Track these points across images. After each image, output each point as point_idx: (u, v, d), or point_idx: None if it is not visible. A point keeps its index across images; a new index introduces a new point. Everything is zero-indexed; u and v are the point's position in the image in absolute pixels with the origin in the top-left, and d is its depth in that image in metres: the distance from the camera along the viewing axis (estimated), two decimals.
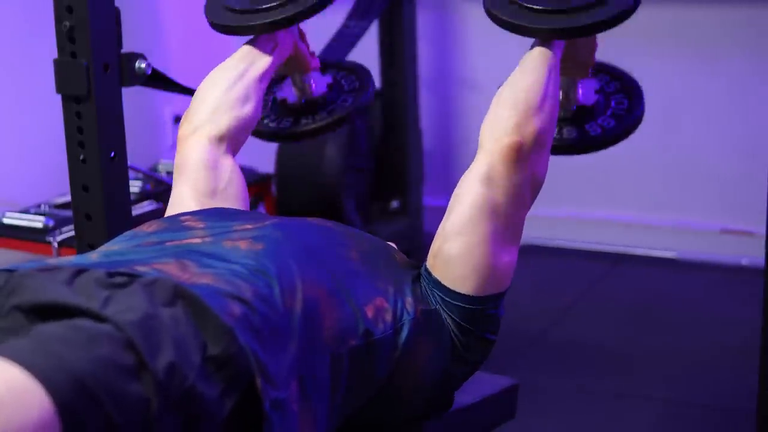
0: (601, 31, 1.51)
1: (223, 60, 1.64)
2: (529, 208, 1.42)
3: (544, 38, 1.50)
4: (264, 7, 1.62)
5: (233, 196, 1.51)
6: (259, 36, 1.63)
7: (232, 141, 1.55)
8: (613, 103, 1.66)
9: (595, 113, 1.64)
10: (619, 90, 1.69)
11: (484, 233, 1.33)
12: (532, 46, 1.51)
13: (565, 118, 1.63)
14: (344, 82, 1.76)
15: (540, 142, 1.39)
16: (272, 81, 1.75)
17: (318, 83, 1.73)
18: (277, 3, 1.61)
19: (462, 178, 1.38)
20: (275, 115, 1.74)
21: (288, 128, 1.71)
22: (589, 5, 1.49)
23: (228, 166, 1.53)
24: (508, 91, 1.43)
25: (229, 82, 1.58)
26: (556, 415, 2.33)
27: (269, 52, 1.63)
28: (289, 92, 1.73)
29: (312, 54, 1.72)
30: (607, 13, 1.48)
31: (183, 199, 1.48)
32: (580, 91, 1.65)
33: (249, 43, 1.64)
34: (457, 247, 1.33)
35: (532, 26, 1.50)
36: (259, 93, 1.60)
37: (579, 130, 1.63)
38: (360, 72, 1.78)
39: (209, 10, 1.68)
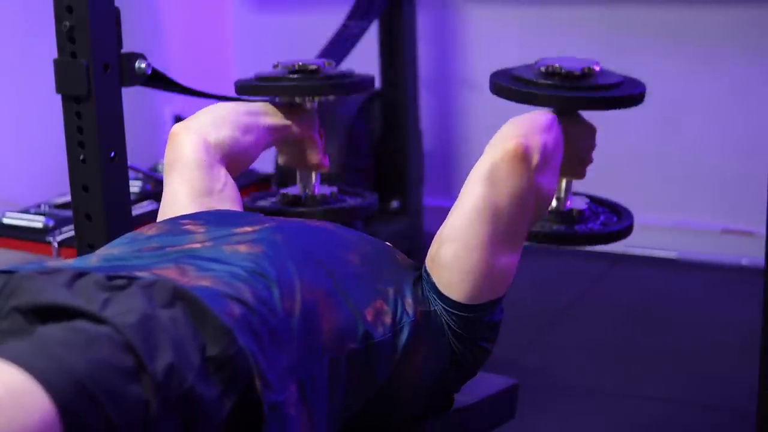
0: (615, 108, 1.56)
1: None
2: (534, 220, 1.40)
3: (556, 106, 1.51)
4: (284, 76, 1.71)
5: (229, 198, 1.51)
6: (282, 105, 1.68)
7: (225, 157, 1.54)
8: (602, 217, 1.70)
9: (586, 219, 1.68)
10: (608, 211, 1.74)
11: (482, 238, 1.32)
12: None
13: (554, 219, 1.66)
14: (349, 198, 1.83)
15: (545, 157, 1.37)
16: (282, 184, 1.82)
17: (323, 187, 1.79)
18: (295, 78, 1.70)
19: (465, 181, 1.36)
20: (273, 202, 1.81)
21: (278, 209, 1.76)
22: (597, 87, 1.54)
23: (222, 170, 1.53)
24: (513, 118, 1.42)
25: (237, 112, 1.61)
26: (556, 415, 2.33)
27: (285, 117, 1.67)
28: (294, 188, 1.80)
29: (324, 154, 1.76)
30: (619, 93, 1.54)
31: (179, 198, 1.48)
32: (570, 202, 1.68)
33: (271, 103, 1.69)
34: (453, 252, 1.32)
35: (545, 94, 1.53)
36: (261, 137, 1.63)
37: (567, 227, 1.66)
38: (368, 195, 1.84)
39: (241, 81, 1.76)
